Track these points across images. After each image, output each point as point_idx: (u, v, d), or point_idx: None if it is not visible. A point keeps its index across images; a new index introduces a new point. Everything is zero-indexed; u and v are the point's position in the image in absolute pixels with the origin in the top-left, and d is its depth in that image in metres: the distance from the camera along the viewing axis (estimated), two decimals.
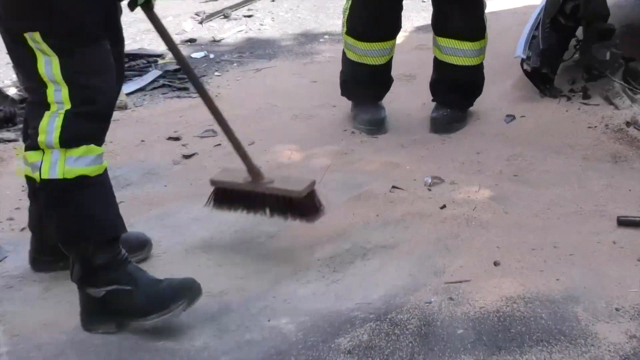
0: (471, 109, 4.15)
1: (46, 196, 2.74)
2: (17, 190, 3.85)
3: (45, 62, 2.59)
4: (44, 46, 2.60)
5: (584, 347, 2.62)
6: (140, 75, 5.03)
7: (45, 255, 3.08)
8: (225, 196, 3.23)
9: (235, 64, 5.40)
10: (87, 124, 2.72)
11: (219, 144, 4.12)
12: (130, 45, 4.96)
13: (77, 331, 2.80)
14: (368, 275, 3.06)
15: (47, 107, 2.62)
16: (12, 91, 4.63)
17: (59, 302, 2.96)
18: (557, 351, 2.63)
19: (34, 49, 2.61)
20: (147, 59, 5.37)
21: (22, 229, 3.46)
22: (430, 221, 3.39)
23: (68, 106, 2.61)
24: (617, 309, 2.75)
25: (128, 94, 4.70)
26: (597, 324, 2.71)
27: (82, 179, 2.68)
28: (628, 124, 3.89)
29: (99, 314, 2.77)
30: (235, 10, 6.42)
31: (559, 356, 2.60)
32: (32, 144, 2.69)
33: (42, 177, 2.64)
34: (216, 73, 5.24)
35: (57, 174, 2.62)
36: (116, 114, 3.57)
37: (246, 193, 3.23)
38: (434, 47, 4.09)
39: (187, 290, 2.80)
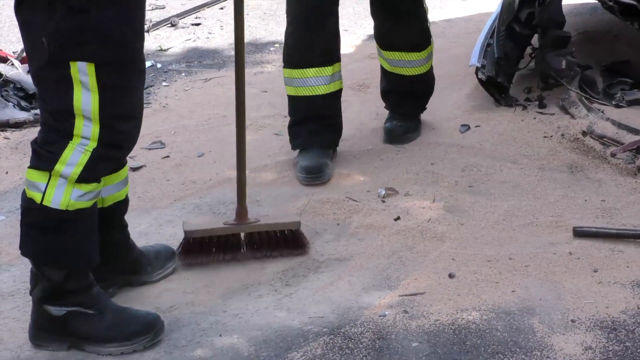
0: (426, 119, 4.15)
1: (40, 219, 2.74)
2: None
3: (84, 96, 2.61)
4: (92, 80, 2.62)
5: (540, 358, 2.66)
6: None
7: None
8: (202, 245, 3.18)
9: (183, 74, 5.35)
10: (107, 166, 2.81)
11: (167, 156, 4.08)
12: None
13: (24, 349, 2.83)
14: (321, 289, 3.07)
15: (70, 137, 2.63)
16: None
17: (5, 319, 2.97)
18: None
19: (77, 80, 2.62)
20: None
21: None
22: (384, 233, 3.39)
23: (94, 145, 2.64)
24: (572, 321, 2.79)
25: None
26: (552, 336, 2.75)
27: (79, 212, 2.71)
28: (584, 133, 3.90)
29: (53, 332, 2.79)
30: (183, 18, 6.34)
31: None
32: (39, 165, 2.70)
33: (44, 202, 2.66)
34: (164, 83, 5.19)
35: (60, 205, 2.66)
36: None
37: (228, 237, 3.19)
38: (381, 58, 4.09)
39: (152, 326, 2.85)
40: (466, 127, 4.16)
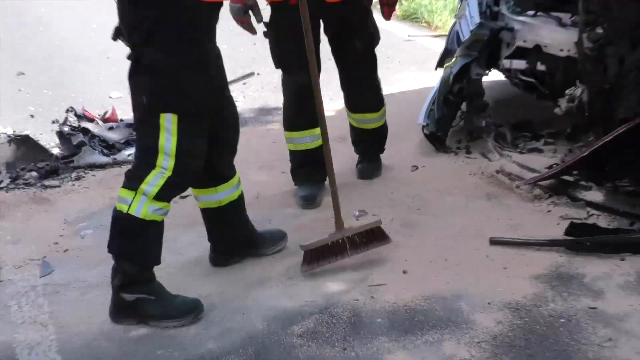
0: (385, 161, 4.11)
1: (126, 224, 2.79)
2: (61, 222, 3.92)
3: (166, 140, 2.69)
4: (174, 127, 2.72)
5: (466, 330, 2.70)
6: None
7: (222, 255, 3.20)
8: (316, 255, 3.12)
9: None
10: (176, 190, 2.91)
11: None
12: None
13: (105, 323, 2.88)
14: (313, 282, 3.09)
15: (153, 167, 2.70)
16: (55, 150, 4.68)
17: (92, 303, 3.04)
18: (447, 333, 2.70)
19: (163, 127, 2.72)
20: None
21: (65, 250, 3.54)
22: None
23: (170, 174, 2.72)
24: (488, 303, 2.82)
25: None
26: (475, 314, 2.78)
27: (152, 222, 2.77)
28: (498, 171, 3.89)
29: (126, 312, 2.82)
30: None
31: (448, 336, 2.68)
32: (128, 185, 2.77)
33: (129, 211, 2.73)
34: None
35: (140, 214, 2.71)
36: None
37: (334, 243, 3.14)
38: (350, 118, 4.01)
39: (195, 307, 2.89)
40: (415, 167, 4.13)
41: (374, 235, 3.14)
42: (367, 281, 3.06)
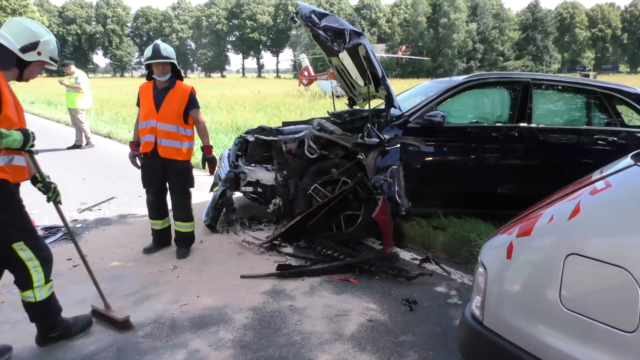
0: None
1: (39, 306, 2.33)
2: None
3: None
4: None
5: (231, 322, 2.67)
6: None
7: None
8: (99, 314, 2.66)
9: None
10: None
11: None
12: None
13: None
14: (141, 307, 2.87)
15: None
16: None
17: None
18: (222, 324, 2.67)
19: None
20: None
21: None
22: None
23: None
24: (241, 308, 2.81)
25: None
26: (234, 314, 2.75)
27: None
28: (243, 241, 3.89)
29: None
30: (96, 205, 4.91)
31: (223, 326, 2.65)
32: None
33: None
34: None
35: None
36: None
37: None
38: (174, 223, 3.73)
39: (87, 322, 2.58)
40: (201, 242, 3.92)
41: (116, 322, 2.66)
42: (179, 302, 2.97)
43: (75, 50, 78.15)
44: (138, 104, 3.55)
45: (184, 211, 3.72)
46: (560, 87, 4.19)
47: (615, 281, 1.28)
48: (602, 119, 4.13)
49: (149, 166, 3.59)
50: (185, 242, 3.79)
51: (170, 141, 3.46)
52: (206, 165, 3.69)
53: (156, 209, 3.76)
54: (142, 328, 2.69)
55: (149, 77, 3.49)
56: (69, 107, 8.68)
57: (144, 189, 3.69)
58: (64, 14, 78.93)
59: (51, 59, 2.31)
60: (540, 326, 1.40)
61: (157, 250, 3.80)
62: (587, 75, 26.54)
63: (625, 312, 1.25)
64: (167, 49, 3.40)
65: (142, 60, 3.06)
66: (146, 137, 3.47)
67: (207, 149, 3.63)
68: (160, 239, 3.82)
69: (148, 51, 3.38)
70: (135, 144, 3.62)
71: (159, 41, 3.43)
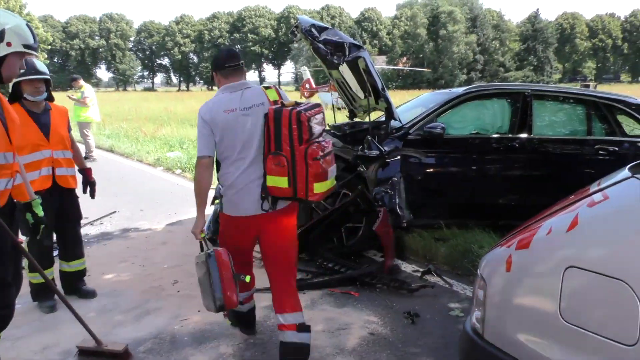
0: None
1: None
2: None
3: None
4: None
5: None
6: None
7: None
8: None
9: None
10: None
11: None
12: None
13: None
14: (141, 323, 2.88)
15: None
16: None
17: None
18: (219, 341, 2.68)
19: None
20: None
21: None
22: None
23: None
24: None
25: None
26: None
27: None
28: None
29: None
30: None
31: (224, 342, 2.66)
32: None
33: None
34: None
35: None
36: None
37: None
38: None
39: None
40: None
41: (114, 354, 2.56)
42: (180, 317, 3.01)
43: (79, 64, 79.71)
44: None
45: (79, 245, 3.34)
46: (560, 98, 4.25)
47: (614, 294, 1.29)
48: (603, 129, 4.18)
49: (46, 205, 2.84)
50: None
51: (70, 169, 3.16)
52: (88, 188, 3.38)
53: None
54: (142, 343, 2.71)
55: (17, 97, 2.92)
56: (76, 120, 8.84)
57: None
58: (67, 29, 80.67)
59: (25, 46, 1.87)
60: (540, 340, 1.42)
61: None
62: (587, 86, 26.63)
63: (625, 325, 1.26)
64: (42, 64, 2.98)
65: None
66: (41, 171, 3.00)
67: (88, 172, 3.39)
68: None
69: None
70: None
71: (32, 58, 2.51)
